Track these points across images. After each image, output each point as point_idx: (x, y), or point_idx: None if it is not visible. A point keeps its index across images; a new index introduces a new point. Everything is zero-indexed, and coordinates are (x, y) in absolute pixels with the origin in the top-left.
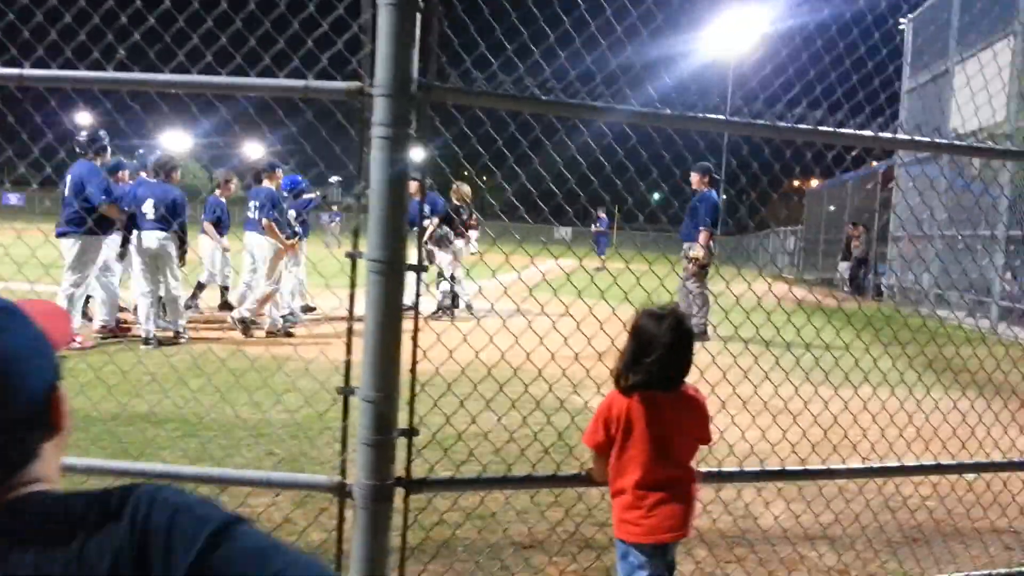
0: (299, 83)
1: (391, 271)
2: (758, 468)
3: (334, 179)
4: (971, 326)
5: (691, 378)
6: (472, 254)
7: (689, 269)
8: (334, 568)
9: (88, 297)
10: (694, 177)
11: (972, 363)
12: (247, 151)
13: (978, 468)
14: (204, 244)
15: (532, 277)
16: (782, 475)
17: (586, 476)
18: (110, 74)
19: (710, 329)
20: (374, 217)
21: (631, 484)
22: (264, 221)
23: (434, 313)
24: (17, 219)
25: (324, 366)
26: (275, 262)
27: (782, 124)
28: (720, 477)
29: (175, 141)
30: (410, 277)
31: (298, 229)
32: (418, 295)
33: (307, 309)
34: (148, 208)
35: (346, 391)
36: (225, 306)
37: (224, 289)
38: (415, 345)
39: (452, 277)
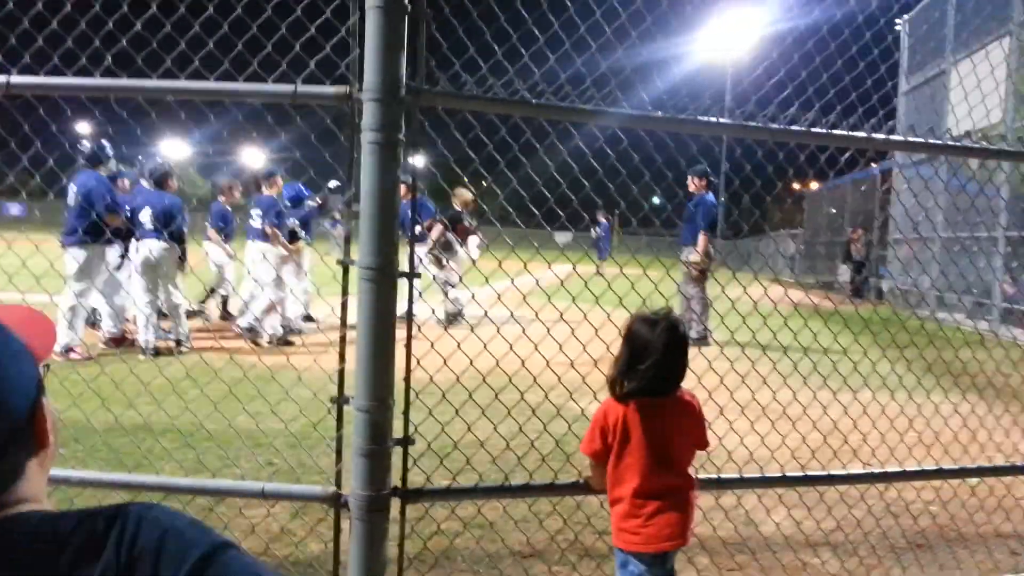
0: (288, 88)
1: (383, 278)
2: (758, 475)
3: (333, 184)
4: (972, 328)
5: (689, 383)
6: (474, 261)
7: (689, 274)
8: None
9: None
10: (692, 181)
11: (972, 366)
12: (246, 158)
13: (981, 472)
14: (213, 251)
15: (527, 283)
16: (783, 481)
17: (584, 484)
18: (97, 81)
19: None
20: (365, 223)
21: (629, 492)
22: (268, 229)
23: (450, 321)
24: (14, 229)
25: (321, 375)
26: (279, 269)
27: (774, 126)
28: (720, 484)
29: (173, 149)
30: (404, 285)
31: (302, 234)
32: (411, 302)
33: (308, 319)
34: (146, 217)
35: (340, 401)
36: (225, 315)
37: (225, 299)
38: (409, 353)
39: (449, 283)
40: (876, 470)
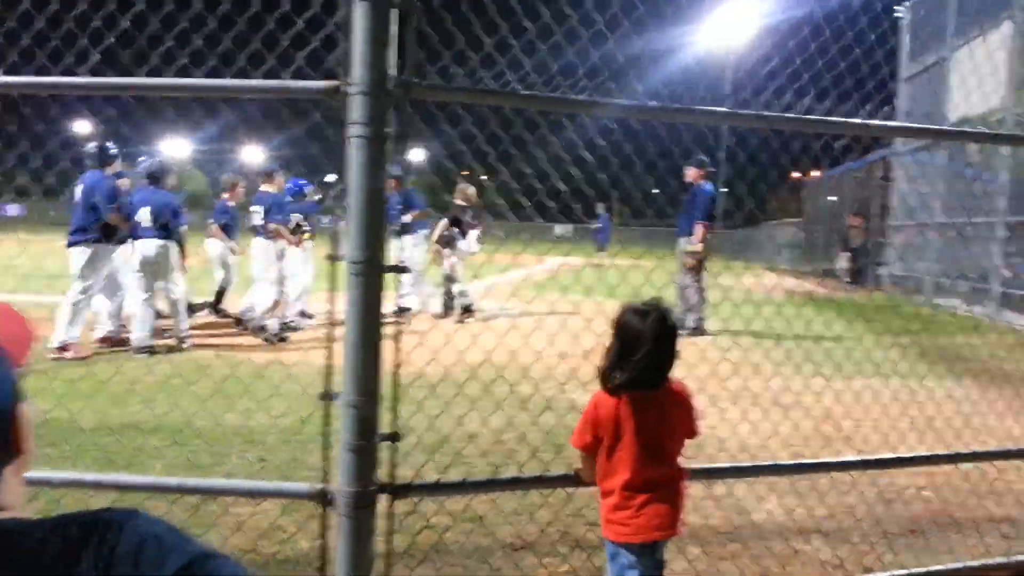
0: (276, 83)
1: (371, 272)
2: (749, 463)
3: (330, 178)
4: (970, 313)
5: (680, 373)
6: (472, 254)
7: (687, 264)
8: None
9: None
10: (689, 171)
11: (967, 351)
12: (245, 155)
13: (974, 458)
14: (212, 248)
15: (517, 276)
16: (774, 470)
17: (574, 476)
18: (84, 79)
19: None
20: (353, 218)
21: (619, 484)
22: (271, 226)
23: (462, 315)
24: (14, 230)
25: (312, 370)
26: (279, 265)
27: (768, 113)
28: (711, 473)
29: (174, 147)
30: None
31: (307, 226)
32: (400, 296)
33: (304, 315)
34: (144, 216)
35: (328, 396)
36: (220, 312)
37: (221, 292)
38: (397, 347)
39: (448, 277)
40: (868, 457)
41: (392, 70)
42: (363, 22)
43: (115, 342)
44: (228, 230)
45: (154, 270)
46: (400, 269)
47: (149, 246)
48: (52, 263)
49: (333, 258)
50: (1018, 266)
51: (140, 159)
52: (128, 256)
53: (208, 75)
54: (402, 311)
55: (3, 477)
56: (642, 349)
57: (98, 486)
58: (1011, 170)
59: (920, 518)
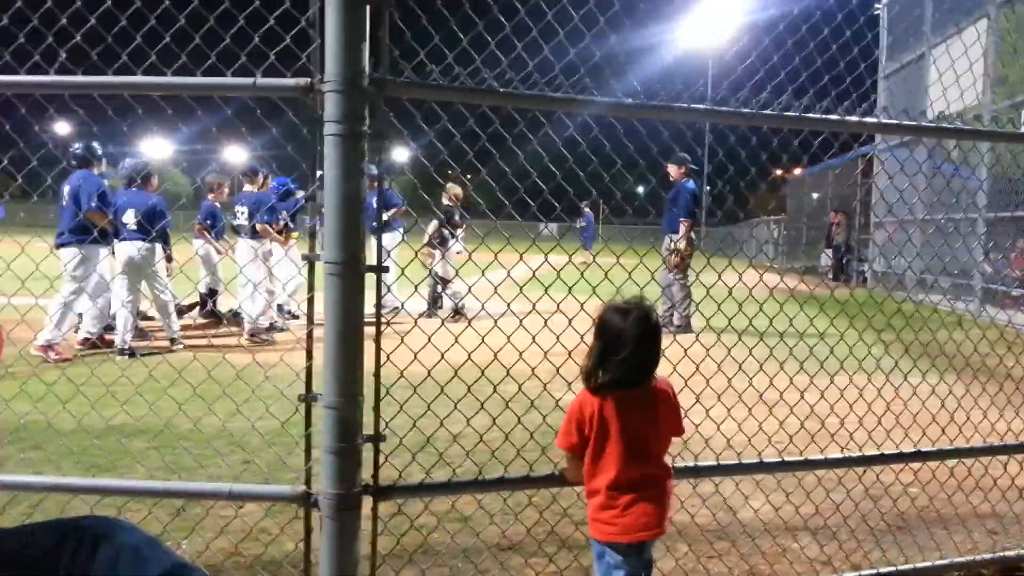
0: (247, 81)
1: (349, 272)
2: (735, 462)
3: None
4: (952, 309)
5: (664, 371)
6: (458, 253)
7: (672, 261)
8: None
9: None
10: (672, 169)
11: (949, 347)
12: (227, 155)
13: (959, 454)
14: (199, 248)
15: (499, 275)
16: (760, 467)
17: (560, 476)
18: (50, 78)
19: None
20: (330, 217)
21: (605, 484)
22: (258, 226)
23: (454, 315)
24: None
25: (291, 372)
26: (266, 265)
27: (746, 110)
28: (697, 472)
29: (154, 148)
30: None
31: (291, 224)
32: (379, 296)
33: (291, 315)
34: (128, 218)
35: (309, 398)
36: (213, 313)
37: (213, 293)
38: (378, 348)
39: (441, 279)
40: (854, 455)
41: (367, 67)
42: (336, 18)
43: (97, 344)
44: (214, 231)
45: (138, 271)
46: (380, 269)
47: (133, 248)
48: (29, 265)
49: (310, 259)
50: (998, 262)
51: (122, 162)
52: (113, 257)
53: (178, 73)
54: (393, 310)
55: None
56: (625, 348)
57: (79, 490)
58: (989, 166)
59: (907, 514)
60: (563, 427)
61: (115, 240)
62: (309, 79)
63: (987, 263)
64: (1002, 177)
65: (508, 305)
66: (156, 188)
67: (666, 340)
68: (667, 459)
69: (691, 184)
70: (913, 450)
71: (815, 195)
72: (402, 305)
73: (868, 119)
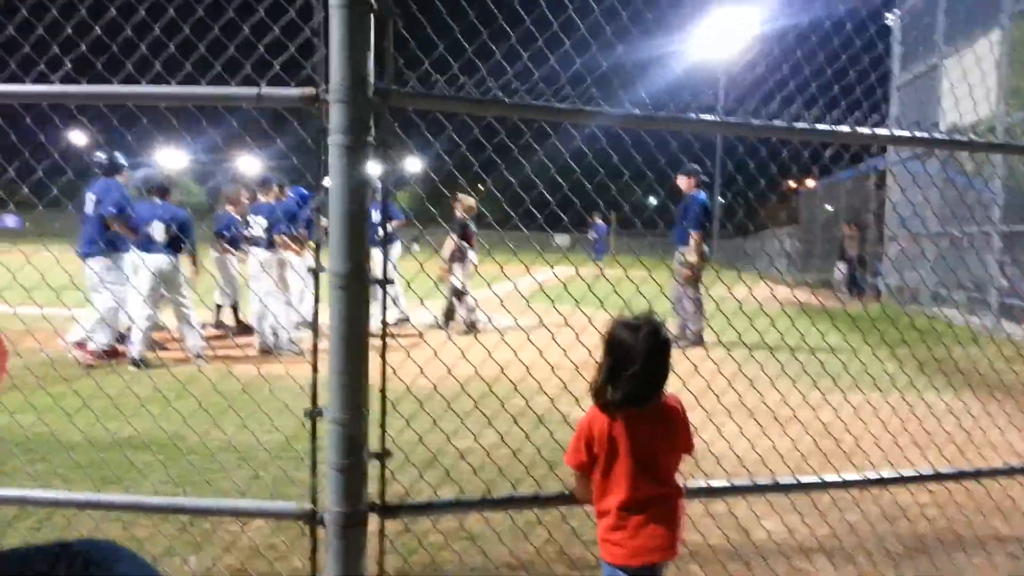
0: (251, 91)
1: (355, 285)
2: (748, 482)
3: (327, 182)
4: (967, 324)
5: (674, 387)
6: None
7: (683, 274)
8: None
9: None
10: (682, 180)
11: (965, 363)
12: (241, 165)
13: (978, 475)
14: (221, 261)
15: (505, 288)
16: (774, 489)
17: (570, 495)
18: (57, 88)
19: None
20: (335, 229)
21: (616, 504)
22: (277, 237)
23: (469, 328)
24: (16, 242)
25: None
26: (279, 276)
27: (755, 122)
28: (709, 493)
29: (169, 158)
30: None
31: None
32: (385, 309)
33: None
34: (156, 230)
35: (314, 413)
36: (219, 324)
37: (219, 308)
38: (384, 362)
39: (458, 292)
40: (871, 474)
41: (371, 77)
42: (341, 28)
43: (108, 354)
44: (233, 242)
45: (165, 285)
46: (385, 281)
47: (161, 260)
48: (57, 275)
49: (315, 270)
50: (1015, 276)
51: (135, 172)
52: (135, 268)
53: (184, 83)
54: (400, 321)
55: None
56: (635, 364)
57: (85, 506)
58: (1004, 180)
59: (924, 536)
60: (572, 445)
61: (141, 252)
62: (314, 89)
63: (1003, 277)
64: (1017, 190)
65: (516, 320)
66: (176, 201)
67: (676, 355)
68: (679, 478)
69: (702, 196)
70: (931, 471)
71: (827, 207)
72: (406, 321)
73: (879, 131)
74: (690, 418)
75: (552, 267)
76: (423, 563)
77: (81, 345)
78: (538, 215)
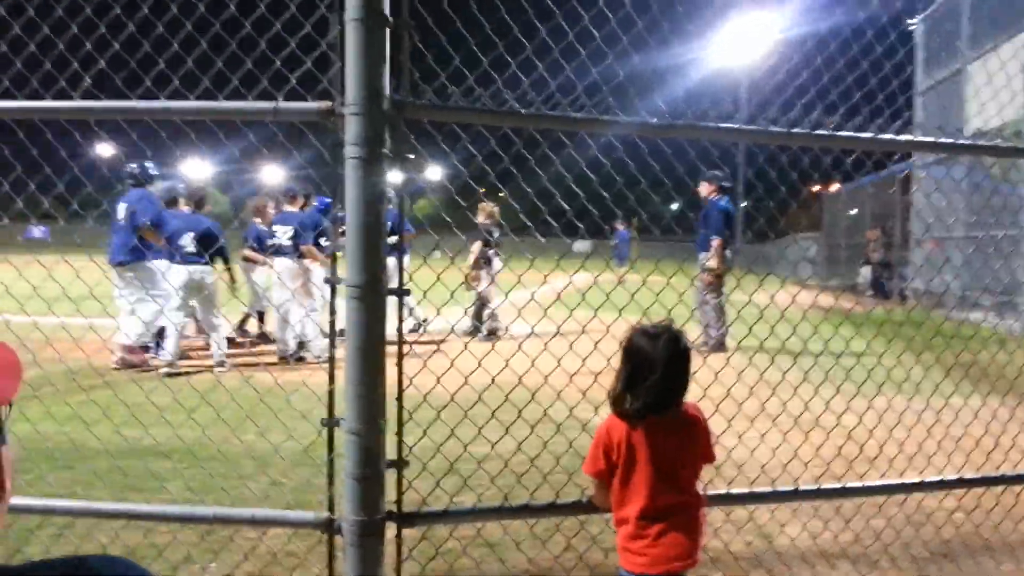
0: (268, 105)
1: (371, 296)
2: (770, 489)
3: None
4: (997, 328)
5: (694, 395)
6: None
7: (704, 280)
8: None
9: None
10: (703, 187)
11: (992, 368)
12: (265, 176)
13: (1005, 481)
14: (252, 272)
15: (524, 296)
16: (796, 496)
17: (588, 503)
18: (76, 103)
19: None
20: (351, 240)
21: (635, 513)
22: (303, 247)
23: (489, 336)
24: (41, 252)
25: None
26: (307, 286)
27: (775, 129)
28: (731, 500)
29: (193, 169)
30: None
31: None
32: (401, 320)
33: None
34: (187, 241)
35: (330, 423)
36: (243, 332)
37: (246, 316)
38: (400, 372)
39: (484, 299)
40: (894, 482)
41: (387, 90)
42: (356, 42)
43: (131, 362)
44: (261, 252)
45: (196, 294)
46: (401, 292)
47: (190, 270)
48: (77, 286)
49: (331, 281)
50: None
51: (163, 183)
52: (165, 277)
53: (202, 98)
54: (417, 325)
55: None
56: (654, 372)
57: (106, 515)
58: None
59: (951, 542)
60: (590, 453)
61: (170, 262)
62: (330, 103)
63: None
64: None
65: (532, 328)
66: (208, 211)
67: (698, 362)
68: (699, 486)
69: (723, 202)
70: (956, 476)
71: (852, 212)
72: (424, 323)
73: (900, 137)
74: (711, 424)
75: (571, 274)
76: (441, 571)
77: (133, 350)
78: (554, 224)
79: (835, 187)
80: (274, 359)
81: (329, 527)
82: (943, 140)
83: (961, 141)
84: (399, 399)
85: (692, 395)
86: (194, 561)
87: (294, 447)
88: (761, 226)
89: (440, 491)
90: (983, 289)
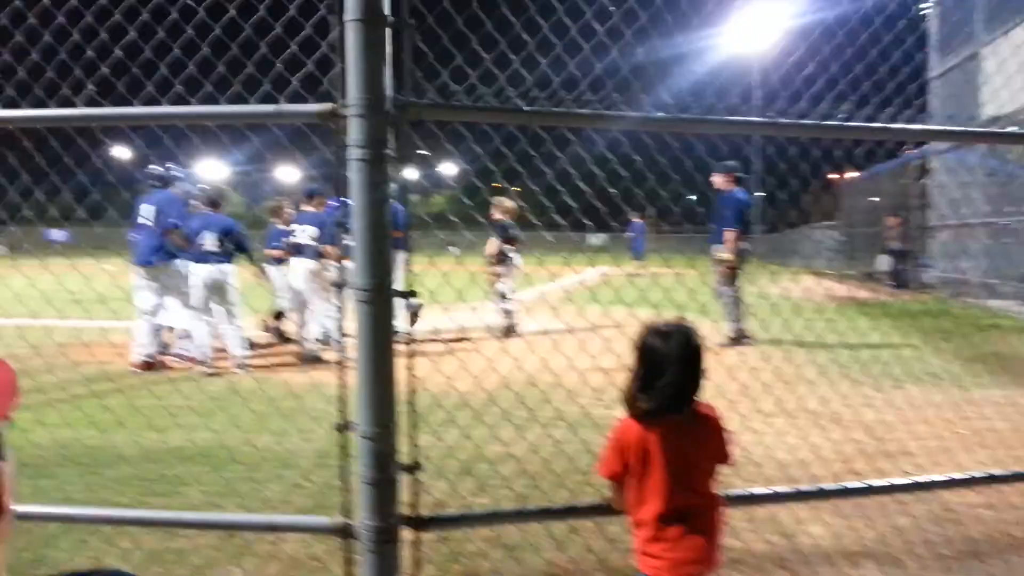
0: (270, 108)
1: (379, 298)
2: (791, 488)
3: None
4: (1021, 316)
5: (710, 393)
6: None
7: (719, 272)
8: None
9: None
10: (718, 178)
11: (1015, 357)
12: (278, 176)
13: None
14: (274, 272)
15: (532, 294)
16: (818, 495)
17: (605, 505)
18: (81, 111)
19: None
20: (358, 242)
21: (651, 516)
22: (327, 248)
23: (506, 333)
24: (61, 255)
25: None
26: (325, 285)
27: (783, 120)
28: (750, 500)
29: (209, 170)
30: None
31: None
32: (413, 322)
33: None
34: (208, 240)
35: (344, 427)
36: (276, 332)
37: (279, 315)
38: (411, 375)
39: (502, 295)
40: (919, 479)
41: (389, 90)
42: (357, 42)
43: (149, 365)
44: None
45: (218, 293)
46: (410, 294)
47: (211, 270)
48: (100, 286)
49: (339, 285)
50: None
51: (201, 185)
52: (187, 277)
53: (204, 102)
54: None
55: None
56: (667, 372)
57: (125, 522)
58: None
59: (978, 540)
60: (604, 455)
61: (192, 262)
62: (332, 104)
63: None
64: None
65: (544, 325)
66: (225, 211)
67: (724, 355)
68: (717, 488)
69: (739, 193)
70: (983, 473)
71: (870, 199)
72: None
73: (912, 126)
74: (729, 422)
75: (578, 269)
76: (459, 573)
77: (151, 353)
78: (561, 222)
79: (852, 175)
80: (291, 360)
81: (346, 532)
82: (956, 128)
83: (974, 129)
84: (410, 402)
85: (710, 389)
86: (217, 564)
87: (315, 448)
88: (778, 215)
89: (457, 493)
90: (1006, 276)
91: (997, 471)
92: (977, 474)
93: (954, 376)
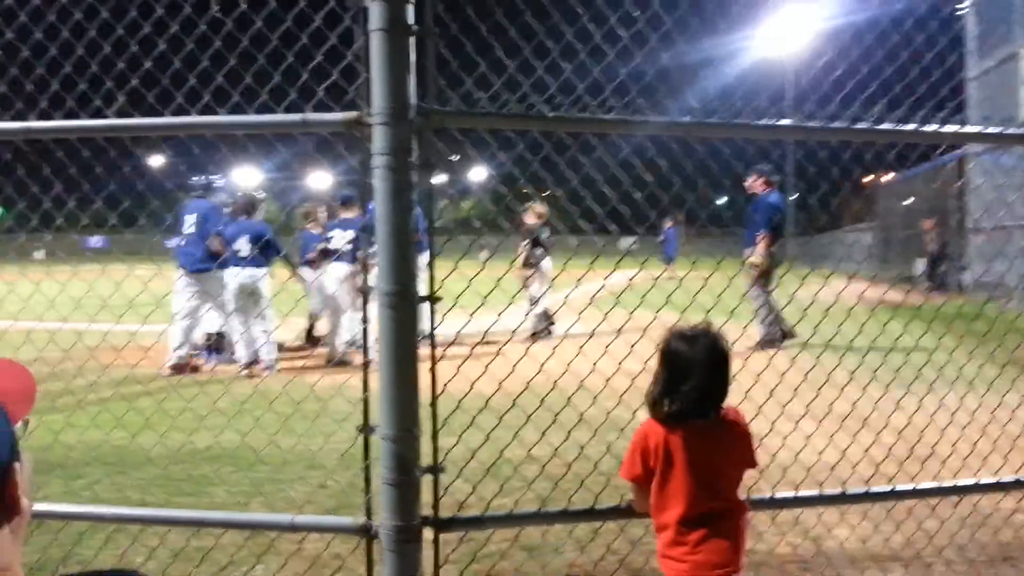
0: (296, 117)
1: (403, 303)
2: (816, 492)
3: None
4: None
5: (735, 397)
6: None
7: (751, 276)
8: None
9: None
10: (751, 181)
11: None
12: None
13: None
14: (308, 277)
15: (558, 298)
16: (844, 499)
17: (627, 508)
18: (111, 121)
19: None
20: (382, 248)
21: (674, 519)
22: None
23: (536, 335)
24: (97, 261)
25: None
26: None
27: (811, 124)
28: (775, 504)
29: (245, 177)
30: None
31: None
32: (434, 325)
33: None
34: (243, 245)
35: (366, 429)
36: (311, 338)
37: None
38: (435, 378)
39: (534, 299)
40: (947, 483)
41: (413, 98)
42: (381, 51)
43: (180, 368)
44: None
45: (252, 298)
46: (433, 299)
47: (244, 275)
48: (131, 291)
49: (363, 290)
50: None
51: (239, 193)
52: (223, 283)
53: (232, 111)
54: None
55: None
56: (692, 377)
57: (147, 521)
58: None
59: (1010, 544)
60: (627, 457)
61: (225, 268)
62: (357, 113)
63: None
64: None
65: (566, 332)
66: (261, 217)
67: (755, 358)
68: (740, 493)
69: (773, 196)
70: (1013, 478)
71: (906, 202)
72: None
73: (944, 129)
74: (755, 425)
75: (606, 274)
76: (480, 574)
77: (183, 356)
78: (585, 227)
79: (888, 176)
80: (318, 363)
81: (367, 532)
82: (992, 131)
83: (1011, 131)
84: (433, 405)
85: (738, 391)
86: (240, 563)
87: (339, 449)
88: (813, 217)
89: (478, 496)
90: None
91: None
92: (1007, 479)
93: (988, 380)
